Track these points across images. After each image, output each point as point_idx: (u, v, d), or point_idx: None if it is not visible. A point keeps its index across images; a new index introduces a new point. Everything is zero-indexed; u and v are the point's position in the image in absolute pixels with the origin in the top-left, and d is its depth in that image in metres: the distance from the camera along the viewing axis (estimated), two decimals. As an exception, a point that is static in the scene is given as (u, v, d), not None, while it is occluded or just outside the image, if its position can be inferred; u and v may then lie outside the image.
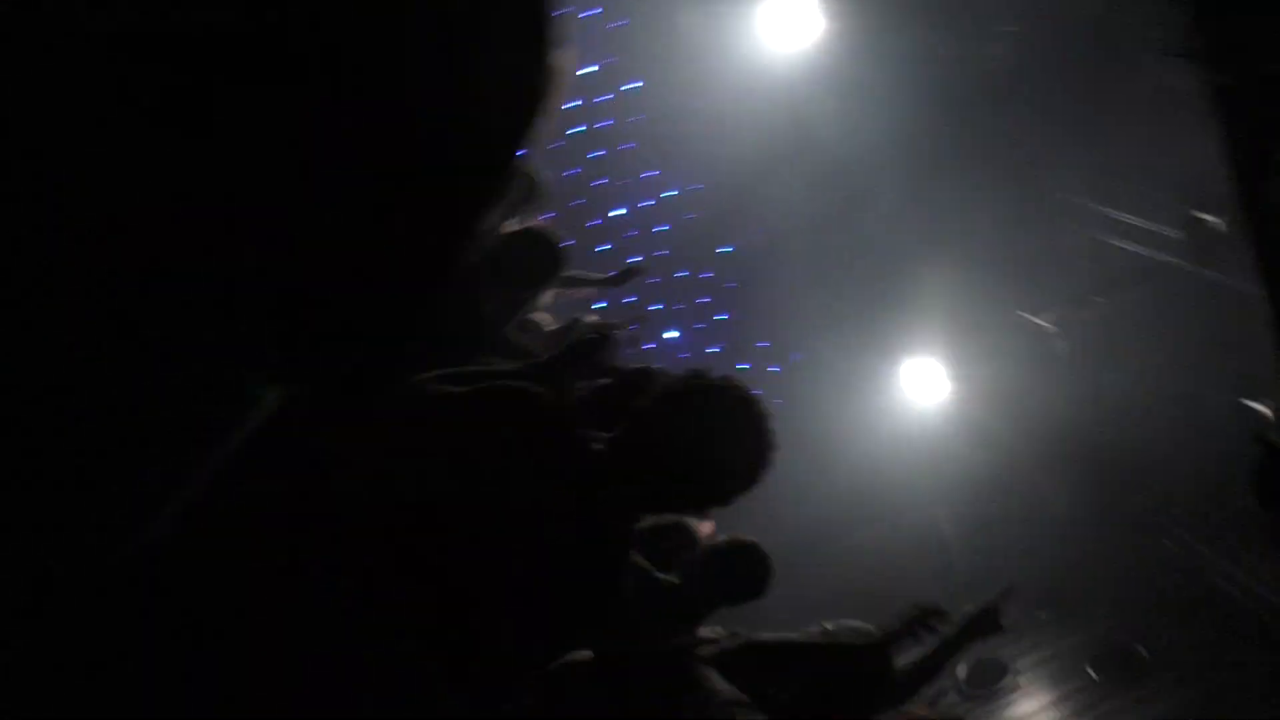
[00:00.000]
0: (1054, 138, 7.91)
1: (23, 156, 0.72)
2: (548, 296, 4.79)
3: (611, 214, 9.39)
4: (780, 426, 2.62)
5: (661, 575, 3.97)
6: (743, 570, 4.08)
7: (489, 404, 2.46)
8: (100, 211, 0.74)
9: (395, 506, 2.10)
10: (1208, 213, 6.36)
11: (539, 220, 4.88)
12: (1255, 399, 6.16)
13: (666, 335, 10.09)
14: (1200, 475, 7.18)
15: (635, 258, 9.02)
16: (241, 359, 0.91)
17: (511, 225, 4.56)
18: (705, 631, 4.30)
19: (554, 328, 4.91)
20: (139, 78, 0.75)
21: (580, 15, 7.46)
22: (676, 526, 4.25)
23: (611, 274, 5.44)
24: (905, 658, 4.06)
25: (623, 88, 8.52)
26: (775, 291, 9.43)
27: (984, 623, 3.94)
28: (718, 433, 2.57)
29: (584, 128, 8.69)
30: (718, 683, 3.09)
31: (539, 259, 4.39)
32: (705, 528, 4.52)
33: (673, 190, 9.28)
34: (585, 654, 3.19)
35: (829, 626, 4.11)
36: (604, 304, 7.63)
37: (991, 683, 8.13)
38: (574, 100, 8.24)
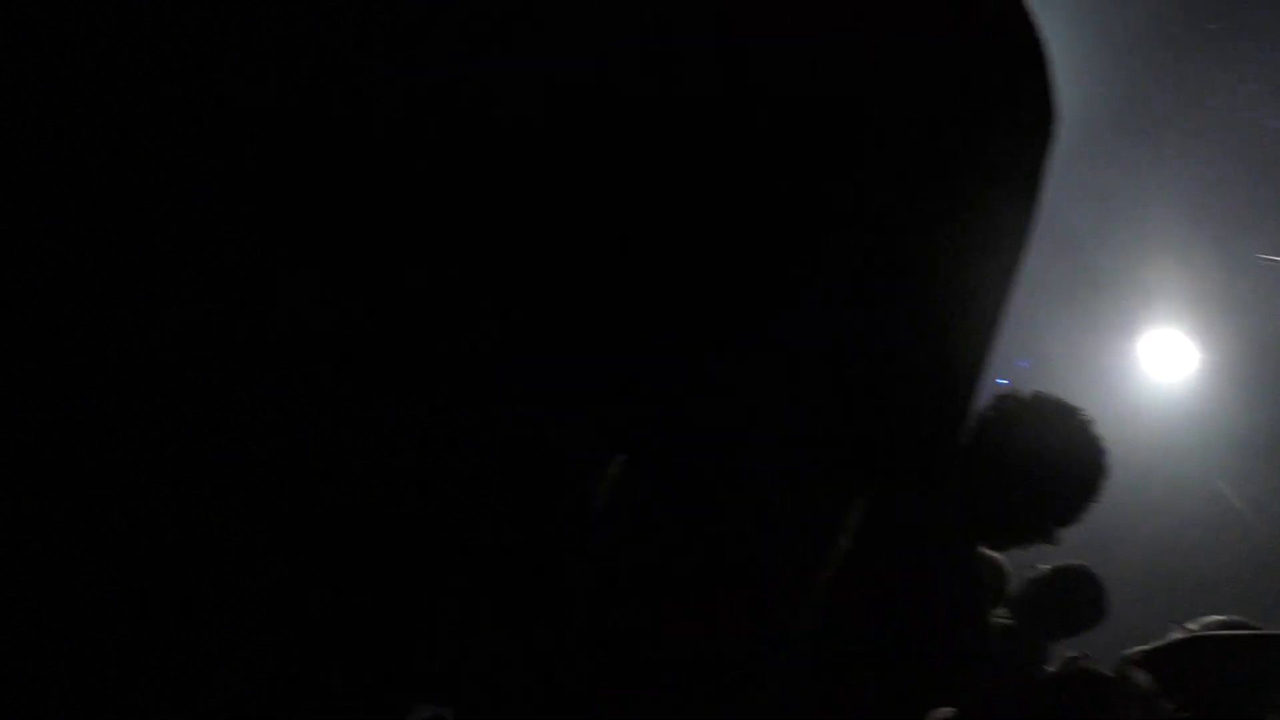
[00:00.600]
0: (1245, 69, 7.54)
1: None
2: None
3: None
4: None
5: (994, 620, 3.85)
6: (1081, 598, 3.93)
7: None
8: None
9: None
10: None
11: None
12: None
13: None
14: None
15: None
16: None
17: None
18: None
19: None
20: None
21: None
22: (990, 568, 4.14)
23: None
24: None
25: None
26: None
27: None
28: (1058, 445, 2.55)
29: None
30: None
31: None
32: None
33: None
34: (947, 712, 3.07)
35: (1192, 628, 3.81)
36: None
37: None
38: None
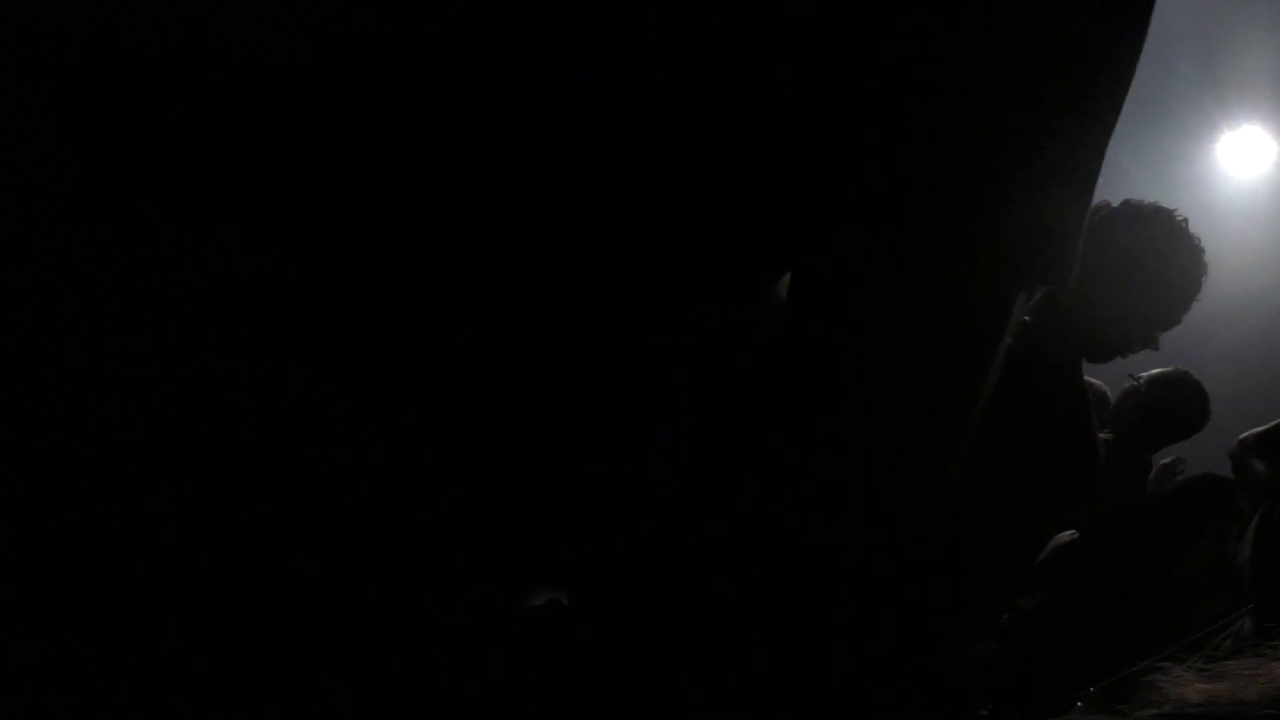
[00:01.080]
0: None
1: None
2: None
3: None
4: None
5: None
6: (1184, 403, 3.83)
7: None
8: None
9: None
10: None
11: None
12: None
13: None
14: None
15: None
16: None
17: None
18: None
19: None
20: None
21: None
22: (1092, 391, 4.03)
23: None
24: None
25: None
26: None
27: None
28: (1156, 247, 2.47)
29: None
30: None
31: None
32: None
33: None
34: (1069, 535, 3.06)
35: None
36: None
37: None
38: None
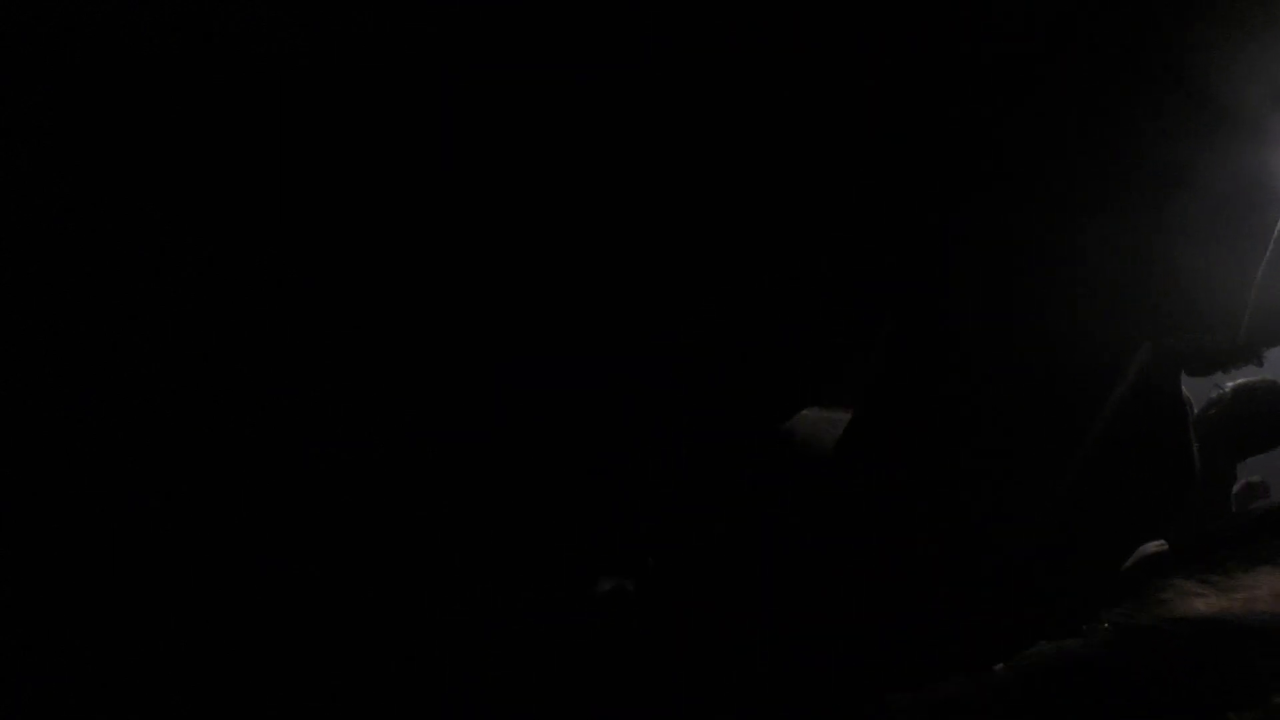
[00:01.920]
0: None
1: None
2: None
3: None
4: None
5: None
6: (1270, 412, 3.69)
7: None
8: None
9: None
10: None
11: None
12: None
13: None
14: None
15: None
16: None
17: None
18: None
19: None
20: None
21: None
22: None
23: None
24: None
25: None
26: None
27: None
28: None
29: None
30: None
31: None
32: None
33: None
34: (1156, 546, 2.99)
35: None
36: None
37: None
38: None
